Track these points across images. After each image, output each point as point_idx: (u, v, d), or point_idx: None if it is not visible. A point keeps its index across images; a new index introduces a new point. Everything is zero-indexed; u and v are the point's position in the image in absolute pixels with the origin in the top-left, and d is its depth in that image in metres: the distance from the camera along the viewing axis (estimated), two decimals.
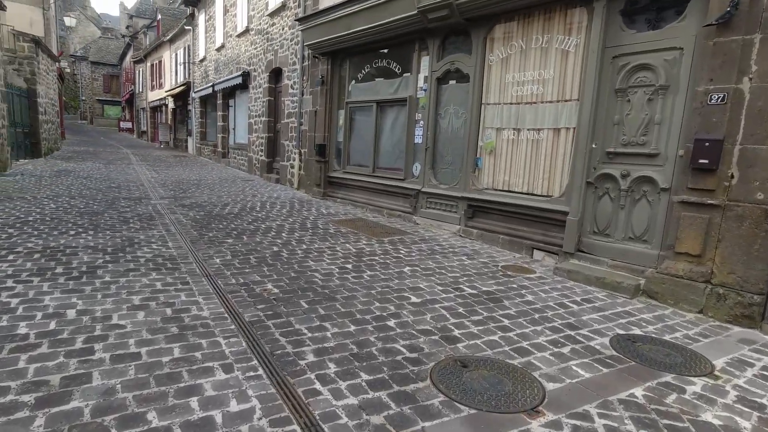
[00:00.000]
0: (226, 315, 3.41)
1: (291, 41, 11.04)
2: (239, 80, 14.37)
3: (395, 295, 4.12)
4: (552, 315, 3.88)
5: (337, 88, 9.43)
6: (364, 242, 6.09)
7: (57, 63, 20.02)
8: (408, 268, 5.01)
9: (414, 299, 4.04)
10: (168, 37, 26.26)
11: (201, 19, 20.03)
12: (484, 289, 4.46)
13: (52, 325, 3.04)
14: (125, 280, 4.02)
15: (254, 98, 13.82)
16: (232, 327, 3.21)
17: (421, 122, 7.43)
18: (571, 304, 4.18)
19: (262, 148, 13.20)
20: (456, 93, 6.85)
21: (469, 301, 4.09)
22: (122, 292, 3.72)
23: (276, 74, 12.49)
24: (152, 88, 31.41)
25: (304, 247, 5.64)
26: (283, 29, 11.50)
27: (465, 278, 4.76)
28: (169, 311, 3.41)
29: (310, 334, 3.18)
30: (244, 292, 3.93)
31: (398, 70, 7.95)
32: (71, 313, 3.24)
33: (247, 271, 4.55)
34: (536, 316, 3.84)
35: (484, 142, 6.43)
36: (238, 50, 15.17)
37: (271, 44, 12.33)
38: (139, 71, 36.44)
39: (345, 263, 5.03)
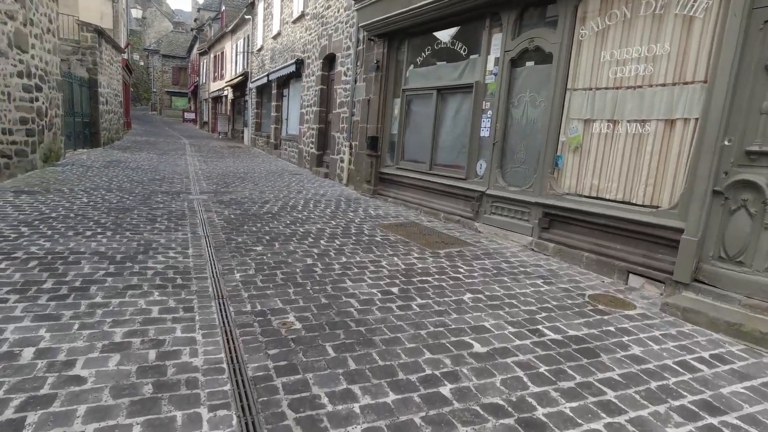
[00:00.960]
0: (225, 365, 2.55)
1: (346, 24, 10.18)
2: (293, 68, 13.75)
3: (452, 339, 3.11)
4: (675, 384, 2.73)
5: (393, 74, 8.45)
6: (416, 255, 5.10)
7: (122, 54, 20.40)
8: (469, 295, 3.97)
9: (477, 347, 3.01)
10: (229, 28, 26.37)
11: (260, 7, 19.73)
12: (571, 332, 3.34)
13: None
14: (118, 302, 3.28)
15: (307, 87, 13.13)
16: (226, 388, 2.33)
17: (489, 112, 6.30)
18: (698, 365, 2.99)
19: (313, 139, 12.49)
20: (534, 77, 5.67)
21: (552, 353, 3.00)
22: (106, 322, 2.96)
23: (329, 61, 11.71)
24: (214, 79, 31.89)
25: (344, 260, 4.74)
26: (338, 11, 10.66)
27: (544, 313, 3.66)
28: (152, 355, 2.59)
29: (330, 407, 2.25)
30: (258, 327, 3.07)
31: (464, 51, 6.85)
32: (27, 355, 2.50)
33: (269, 292, 3.70)
34: (652, 385, 2.70)
35: (568, 136, 5.23)
36: (293, 37, 14.56)
37: (325, 28, 11.54)
38: (203, 63, 37.25)
39: (390, 285, 4.07)
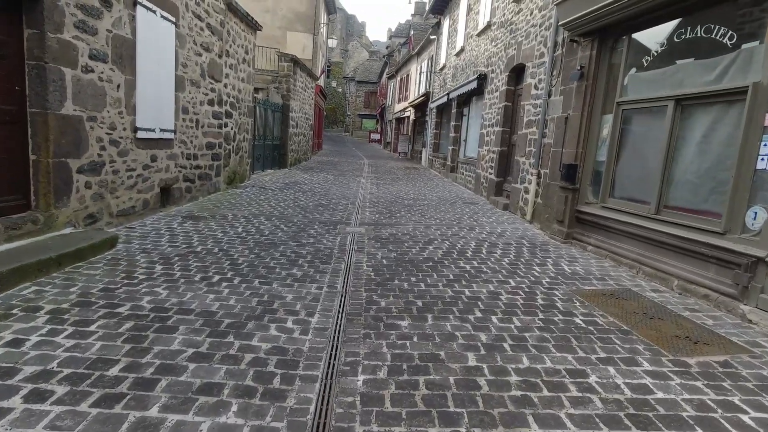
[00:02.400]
0: None
1: (540, 27, 8.40)
2: (474, 84, 12.40)
3: None
4: None
5: (603, 82, 6.40)
6: (647, 365, 3.12)
7: (316, 81, 21.78)
8: None
9: None
10: (415, 51, 26.59)
11: (445, 26, 19.14)
12: None
13: None
14: (174, 423, 2.20)
15: (489, 104, 11.62)
16: None
17: None
18: None
19: (492, 164, 10.86)
20: None
21: None
22: None
23: (517, 73, 10.02)
24: (398, 101, 32.63)
25: (525, 363, 3.04)
26: (531, 13, 8.94)
27: None
28: None
29: None
30: None
31: (729, 39, 4.54)
32: None
33: (397, 431, 2.26)
34: None
35: None
36: (477, 51, 13.26)
37: (514, 36, 9.92)
38: (390, 86, 38.72)
39: None
